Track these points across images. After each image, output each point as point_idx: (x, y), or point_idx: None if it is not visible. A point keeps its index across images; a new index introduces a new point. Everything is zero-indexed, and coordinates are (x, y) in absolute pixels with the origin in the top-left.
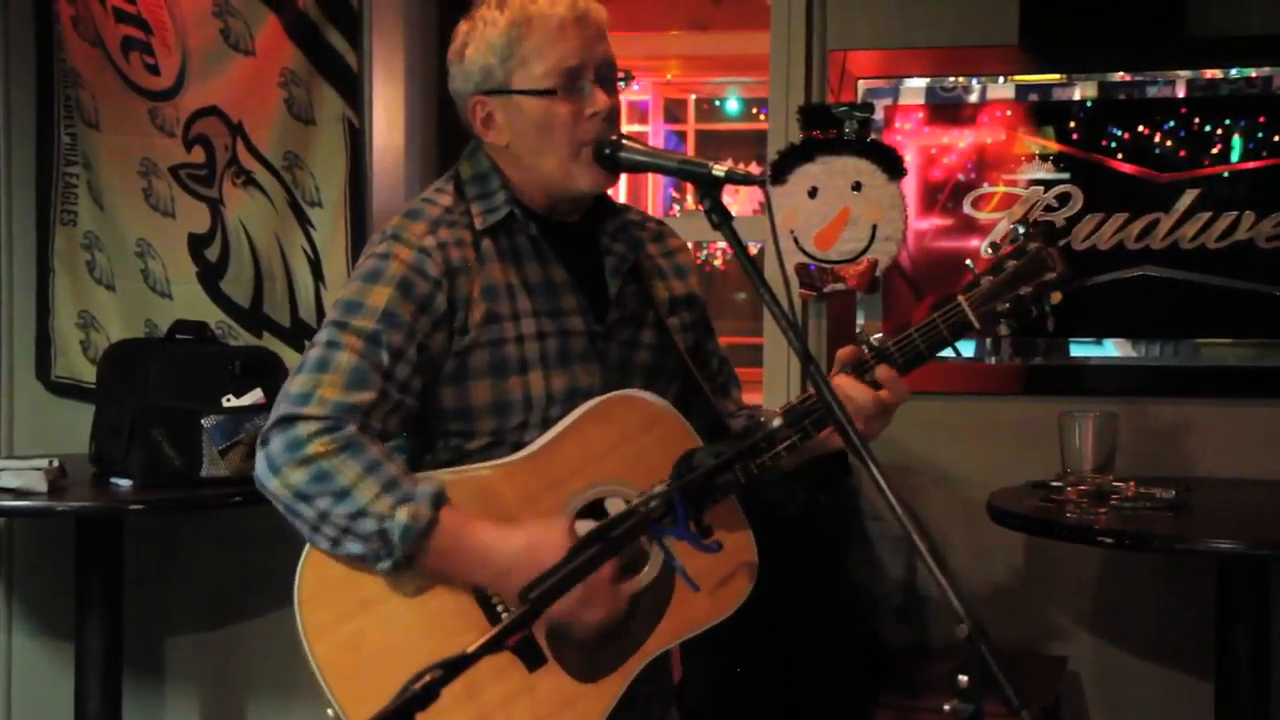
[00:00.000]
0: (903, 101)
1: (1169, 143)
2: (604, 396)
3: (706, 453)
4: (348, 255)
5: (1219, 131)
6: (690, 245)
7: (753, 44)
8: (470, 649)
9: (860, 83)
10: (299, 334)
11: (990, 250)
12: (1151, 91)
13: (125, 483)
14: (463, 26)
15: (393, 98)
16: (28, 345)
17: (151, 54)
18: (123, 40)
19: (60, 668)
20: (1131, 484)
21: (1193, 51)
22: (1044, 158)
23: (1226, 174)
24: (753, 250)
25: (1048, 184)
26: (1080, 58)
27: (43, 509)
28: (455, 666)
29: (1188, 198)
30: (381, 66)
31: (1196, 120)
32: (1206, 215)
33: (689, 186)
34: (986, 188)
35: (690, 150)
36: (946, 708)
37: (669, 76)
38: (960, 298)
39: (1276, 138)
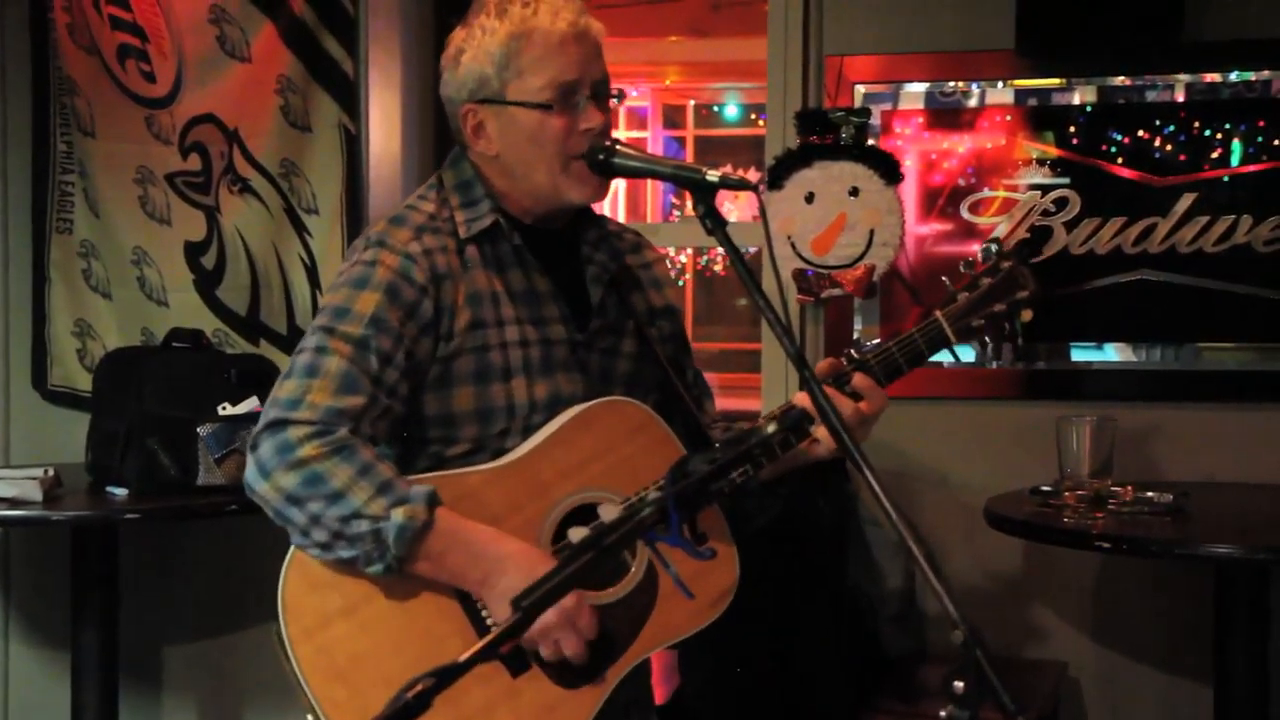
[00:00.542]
0: (902, 106)
1: (1169, 147)
2: (589, 403)
3: (701, 459)
4: (344, 262)
5: (1219, 135)
6: (690, 251)
7: (751, 49)
8: (463, 657)
9: (861, 88)
10: (296, 341)
11: (966, 268)
12: (1150, 96)
13: (121, 491)
14: (459, 33)
15: (389, 105)
16: (24, 354)
17: (148, 61)
18: (119, 48)
19: (56, 676)
20: (1129, 488)
21: (1191, 55)
22: (1043, 162)
23: (1226, 178)
24: (754, 255)
25: (1046, 189)
26: (1078, 62)
27: (38, 518)
28: (448, 675)
29: (1185, 201)
30: (378, 73)
31: (1196, 124)
32: (1204, 219)
33: (688, 192)
34: (986, 192)
35: (689, 156)
36: (943, 714)
37: (668, 82)
38: (938, 313)
39: (1276, 141)
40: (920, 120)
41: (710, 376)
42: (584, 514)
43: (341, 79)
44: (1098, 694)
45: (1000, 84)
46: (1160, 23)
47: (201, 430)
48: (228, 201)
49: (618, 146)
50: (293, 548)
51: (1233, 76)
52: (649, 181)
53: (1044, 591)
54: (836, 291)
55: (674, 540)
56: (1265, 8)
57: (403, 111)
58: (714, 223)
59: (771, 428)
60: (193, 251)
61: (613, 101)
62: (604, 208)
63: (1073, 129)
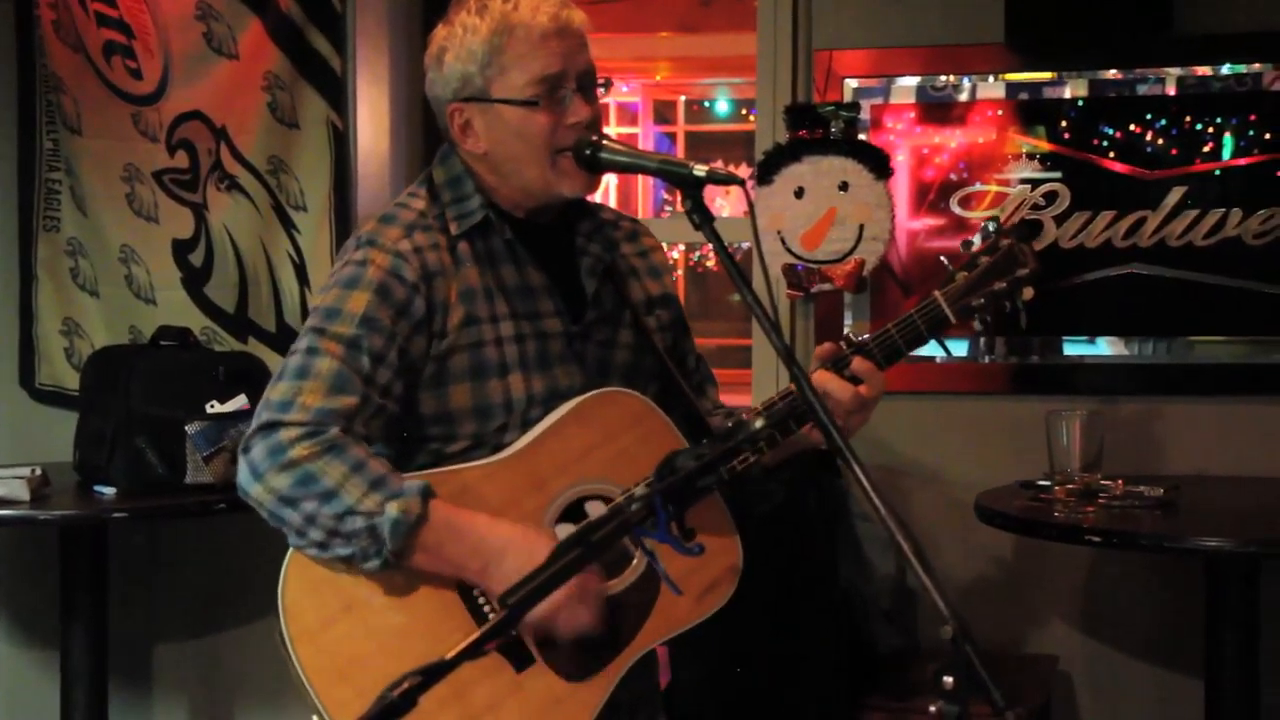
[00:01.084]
0: (893, 100)
1: (1160, 141)
2: (586, 395)
3: (688, 455)
4: (333, 259)
5: (1209, 129)
6: (683, 246)
7: (742, 45)
8: (449, 655)
9: (851, 82)
10: (284, 339)
11: (965, 248)
12: (1141, 89)
13: (109, 490)
14: (441, 31)
15: (377, 100)
16: (11, 352)
17: (134, 58)
18: (105, 44)
19: (45, 677)
20: (1120, 482)
21: (1182, 49)
22: (1034, 156)
23: (1217, 171)
24: (743, 251)
25: (1036, 183)
26: (1069, 55)
27: (25, 518)
28: (434, 673)
29: (1174, 195)
30: (365, 69)
31: (1187, 118)
32: (1194, 213)
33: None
34: (977, 186)
35: (680, 151)
36: (932, 709)
37: (658, 78)
38: (937, 293)
39: (1267, 135)
40: (911, 114)
41: None
42: (582, 509)
43: (329, 76)
44: (1089, 687)
45: (991, 78)
46: (1151, 16)
47: (189, 428)
48: (215, 199)
49: (605, 141)
50: (291, 548)
51: (1224, 70)
52: (640, 177)
53: (1035, 586)
54: (826, 286)
55: (661, 536)
56: (1255, 1)
57: (391, 108)
58: (701, 217)
59: (759, 423)
60: (180, 249)
61: (600, 90)
62: (597, 201)
63: (1063, 123)
